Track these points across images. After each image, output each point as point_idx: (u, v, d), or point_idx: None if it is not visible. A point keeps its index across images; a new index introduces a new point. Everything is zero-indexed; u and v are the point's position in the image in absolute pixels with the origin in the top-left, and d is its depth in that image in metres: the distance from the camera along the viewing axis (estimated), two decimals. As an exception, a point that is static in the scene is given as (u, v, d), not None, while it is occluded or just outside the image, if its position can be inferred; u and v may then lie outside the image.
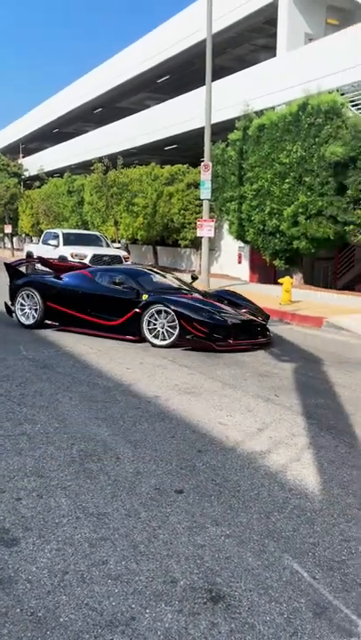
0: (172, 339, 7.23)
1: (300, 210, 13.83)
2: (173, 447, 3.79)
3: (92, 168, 21.57)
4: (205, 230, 14.93)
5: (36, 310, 8.11)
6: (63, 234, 16.66)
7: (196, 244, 19.65)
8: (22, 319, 8.24)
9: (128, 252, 19.97)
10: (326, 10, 19.00)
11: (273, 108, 16.76)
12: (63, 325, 8.04)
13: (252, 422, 4.41)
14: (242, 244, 17.93)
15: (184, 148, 25.76)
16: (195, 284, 9.31)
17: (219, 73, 20.08)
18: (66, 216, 28.53)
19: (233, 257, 19.05)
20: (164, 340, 7.29)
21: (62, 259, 13.60)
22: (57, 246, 15.87)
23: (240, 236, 16.80)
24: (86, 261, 13.76)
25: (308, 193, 13.67)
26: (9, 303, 8.53)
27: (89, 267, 9.70)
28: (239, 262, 18.77)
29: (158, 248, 23.75)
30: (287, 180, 14.21)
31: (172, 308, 7.24)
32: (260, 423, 4.40)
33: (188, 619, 2.12)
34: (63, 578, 2.33)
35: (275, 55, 19.23)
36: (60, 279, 8.43)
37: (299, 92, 14.76)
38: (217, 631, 2.06)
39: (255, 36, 22.19)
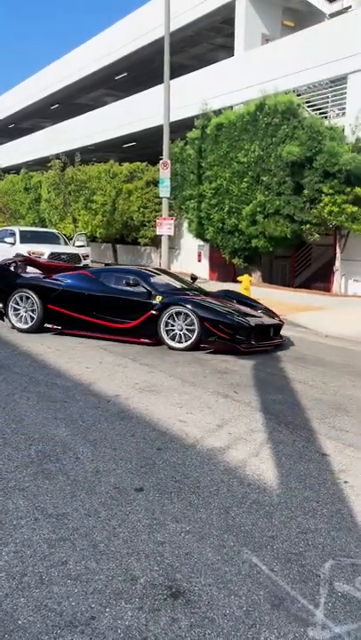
0: (190, 341, 7.00)
1: (258, 209, 14.03)
2: (133, 446, 3.78)
3: (49, 165, 21.26)
4: (165, 228, 14.94)
5: (33, 314, 7.63)
6: (20, 231, 16.35)
7: (156, 242, 19.64)
8: (14, 321, 7.73)
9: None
10: (282, 11, 19.32)
11: (231, 107, 16.91)
12: (66, 329, 7.64)
13: (212, 419, 4.45)
14: (202, 243, 18.05)
15: (143, 146, 25.69)
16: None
17: (177, 71, 20.13)
18: (22, 213, 28.03)
19: (193, 255, 19.14)
20: (183, 342, 7.05)
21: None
22: (13, 244, 15.55)
23: (200, 235, 16.91)
24: (44, 259, 13.54)
25: (266, 192, 13.88)
26: None
27: (85, 267, 9.25)
28: (199, 260, 18.88)
29: (118, 246, 23.61)
30: (245, 179, 14.38)
31: (192, 309, 6.99)
32: (219, 420, 4.44)
33: (149, 615, 2.12)
34: (21, 580, 2.30)
35: (233, 55, 19.40)
36: (58, 280, 7.91)
37: (256, 92, 14.95)
38: (177, 626, 2.07)
39: (213, 35, 22.34)
